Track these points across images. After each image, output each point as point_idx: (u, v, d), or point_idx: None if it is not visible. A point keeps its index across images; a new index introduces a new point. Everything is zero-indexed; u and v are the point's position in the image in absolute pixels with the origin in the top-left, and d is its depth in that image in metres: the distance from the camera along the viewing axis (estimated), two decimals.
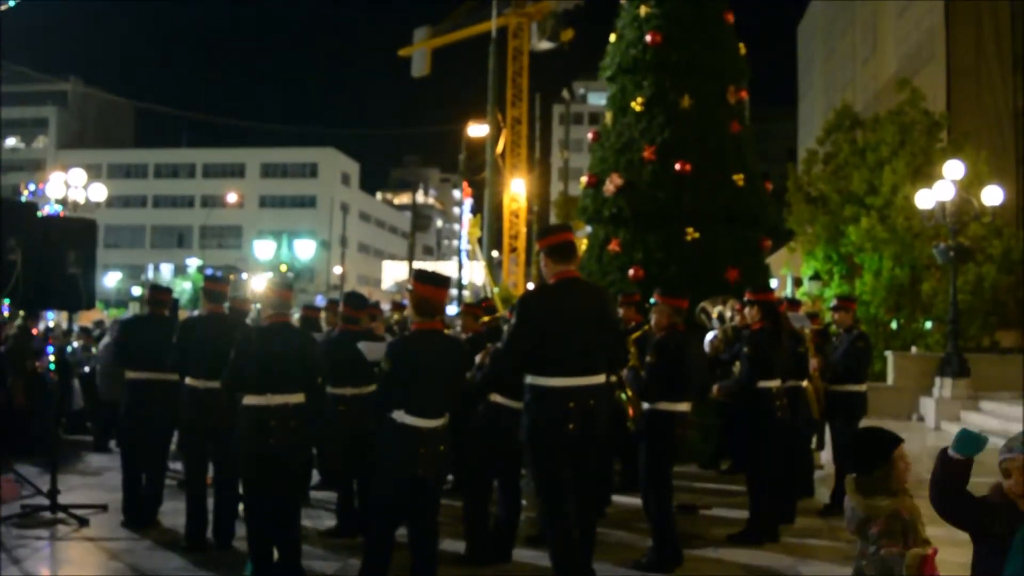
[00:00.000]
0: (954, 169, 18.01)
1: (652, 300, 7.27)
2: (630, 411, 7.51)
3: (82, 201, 19.66)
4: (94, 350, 15.50)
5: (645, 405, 7.04)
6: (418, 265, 48.77)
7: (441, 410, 5.54)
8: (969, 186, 18.77)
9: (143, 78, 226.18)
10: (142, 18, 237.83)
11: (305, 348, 6.50)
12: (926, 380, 18.98)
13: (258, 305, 9.48)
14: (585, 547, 5.78)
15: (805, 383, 9.13)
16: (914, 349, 22.72)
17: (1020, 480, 3.81)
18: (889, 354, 20.58)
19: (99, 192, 20.12)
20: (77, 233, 8.64)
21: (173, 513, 8.02)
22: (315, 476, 9.57)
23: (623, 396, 7.63)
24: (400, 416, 5.41)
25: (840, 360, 9.41)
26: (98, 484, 9.96)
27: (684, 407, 6.99)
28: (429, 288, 5.66)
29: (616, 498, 9.08)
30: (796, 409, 8.48)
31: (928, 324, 24.53)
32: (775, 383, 7.90)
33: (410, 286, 5.77)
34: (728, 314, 9.50)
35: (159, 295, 8.73)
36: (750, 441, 8.04)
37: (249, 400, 6.14)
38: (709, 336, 9.56)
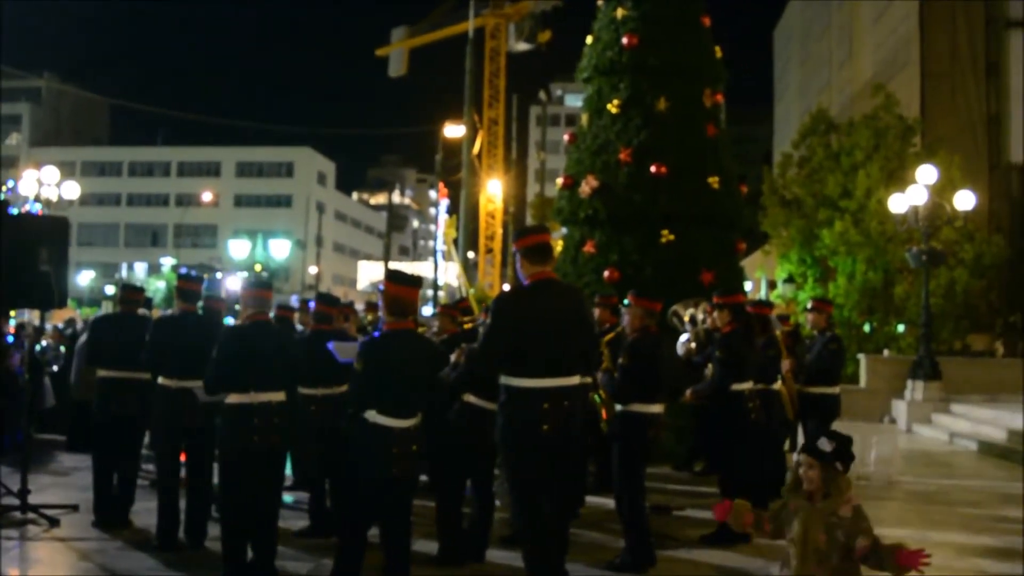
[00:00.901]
0: (927, 174, 18.18)
1: (626, 302, 7.28)
2: (603, 413, 7.53)
3: (55, 199, 19.53)
4: (63, 348, 15.39)
5: (618, 407, 7.05)
6: (394, 265, 48.69)
7: (414, 410, 5.54)
8: (942, 191, 18.96)
9: (118, 75, 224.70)
10: (117, 15, 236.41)
11: (285, 346, 6.56)
12: (898, 383, 19.13)
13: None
14: (558, 548, 5.79)
15: (778, 385, 9.18)
16: (886, 352, 22.90)
17: None
18: (862, 357, 20.74)
19: (72, 190, 19.99)
20: (49, 231, 8.56)
21: (145, 513, 7.95)
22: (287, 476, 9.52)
23: (596, 398, 7.64)
24: (372, 416, 5.40)
25: (813, 362, 9.47)
26: (69, 484, 9.88)
27: (657, 409, 7.00)
28: (401, 288, 5.66)
29: (589, 499, 9.09)
30: (769, 411, 8.52)
31: (900, 327, 24.75)
32: (747, 385, 7.94)
33: (382, 286, 5.77)
34: (700, 316, 9.53)
35: (131, 294, 8.72)
36: (723, 443, 8.07)
37: (233, 399, 6.16)
38: (682, 339, 9.59)
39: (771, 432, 8.78)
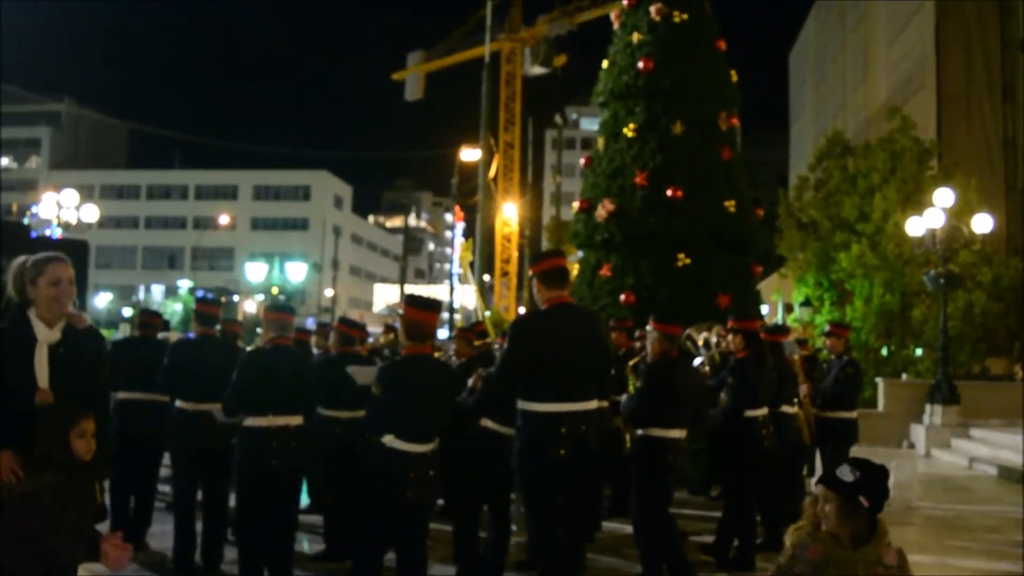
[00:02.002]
0: (944, 197, 18.13)
1: (647, 327, 7.20)
2: (627, 437, 7.47)
3: (74, 222, 19.70)
4: None
5: (638, 431, 6.96)
6: (410, 288, 48.77)
7: (431, 435, 5.54)
8: (959, 214, 18.90)
9: (136, 99, 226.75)
10: (136, 39, 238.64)
11: (304, 370, 6.56)
12: (916, 407, 19.00)
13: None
14: (574, 572, 5.76)
15: (796, 409, 9.14)
16: (904, 376, 22.77)
17: None
18: (879, 381, 20.62)
19: (91, 213, 20.16)
20: (68, 253, 8.61)
21: (161, 535, 7.97)
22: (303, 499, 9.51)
23: (620, 423, 7.58)
24: (390, 441, 5.40)
25: (830, 387, 9.42)
26: None
27: (677, 434, 6.87)
28: (420, 312, 5.67)
29: (605, 523, 9.06)
30: (779, 436, 8.45)
31: (918, 351, 24.61)
32: (761, 412, 7.90)
33: (401, 310, 5.78)
34: (714, 340, 9.51)
35: (149, 318, 8.80)
36: (734, 469, 7.99)
37: (251, 422, 6.17)
38: (695, 362, 9.55)
39: (780, 457, 8.70)
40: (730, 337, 8.19)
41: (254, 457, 6.12)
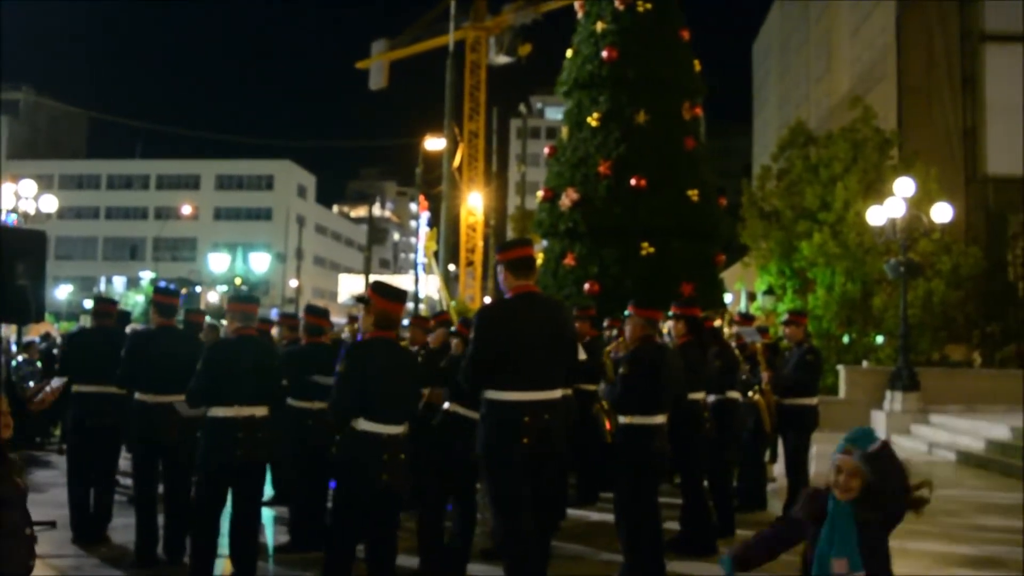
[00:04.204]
0: (905, 186, 18.29)
1: (626, 312, 7.19)
2: (607, 424, 7.44)
3: (32, 212, 19.41)
4: (39, 364, 15.28)
5: (620, 419, 6.88)
6: (374, 279, 48.56)
7: (400, 417, 5.52)
8: (919, 203, 19.07)
9: (96, 88, 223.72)
10: (96, 27, 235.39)
11: (269, 360, 6.55)
12: (877, 394, 19.21)
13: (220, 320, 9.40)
14: (539, 561, 5.77)
15: (757, 396, 9.22)
16: (865, 363, 22.98)
17: (842, 479, 4.16)
18: (841, 368, 20.81)
19: (50, 203, 19.88)
20: (26, 244, 8.49)
21: (123, 529, 7.90)
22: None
23: (600, 409, 7.55)
24: (360, 423, 5.38)
25: (791, 374, 9.50)
26: (46, 500, 9.75)
27: (660, 420, 6.81)
28: (390, 304, 5.66)
29: (571, 511, 9.08)
30: (722, 422, 8.55)
31: (879, 338, 24.84)
32: (701, 395, 7.99)
33: (368, 296, 5.75)
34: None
35: (104, 307, 8.65)
36: (682, 453, 8.02)
37: (216, 412, 6.13)
38: None
39: (724, 443, 8.79)
40: (672, 323, 8.24)
41: (220, 448, 6.07)
